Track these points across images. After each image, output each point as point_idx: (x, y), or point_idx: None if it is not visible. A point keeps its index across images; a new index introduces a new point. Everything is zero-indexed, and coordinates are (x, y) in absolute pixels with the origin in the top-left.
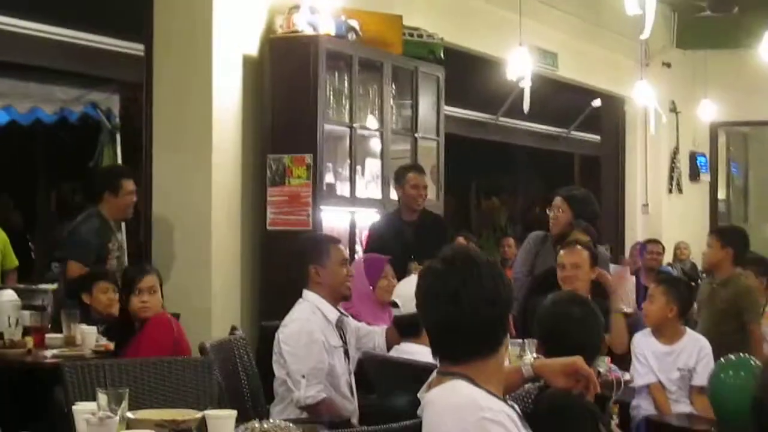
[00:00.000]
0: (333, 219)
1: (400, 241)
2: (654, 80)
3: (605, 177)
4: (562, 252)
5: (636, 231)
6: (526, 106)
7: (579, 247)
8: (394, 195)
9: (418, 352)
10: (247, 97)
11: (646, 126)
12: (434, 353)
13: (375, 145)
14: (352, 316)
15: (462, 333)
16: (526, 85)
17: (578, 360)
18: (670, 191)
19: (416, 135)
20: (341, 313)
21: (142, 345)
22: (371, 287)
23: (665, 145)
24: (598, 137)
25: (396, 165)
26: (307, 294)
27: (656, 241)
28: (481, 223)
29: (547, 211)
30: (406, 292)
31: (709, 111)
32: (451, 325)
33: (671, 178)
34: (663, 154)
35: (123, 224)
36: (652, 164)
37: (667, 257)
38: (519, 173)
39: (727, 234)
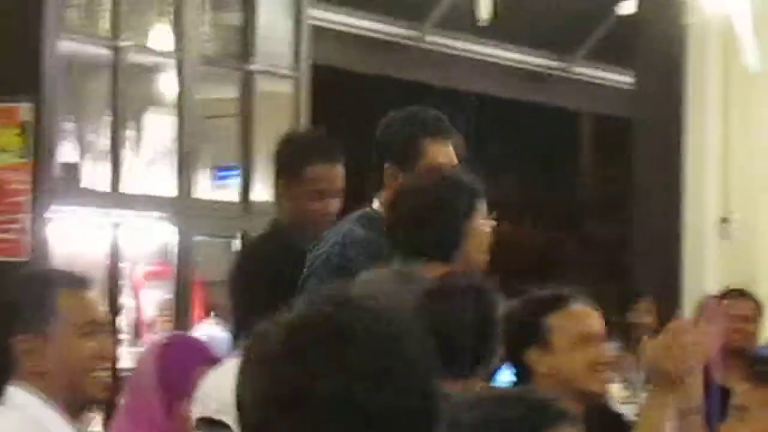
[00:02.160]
0: (78, 237)
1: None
2: None
3: (641, 159)
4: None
5: (705, 272)
6: (483, 10)
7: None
8: (207, 191)
9: None
10: None
11: (728, 55)
12: None
13: (165, 84)
14: None
15: None
16: None
17: None
18: None
19: (251, 67)
20: None
21: None
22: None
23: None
24: (629, 78)
25: (213, 126)
26: (16, 394)
27: (745, 294)
28: None
29: None
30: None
31: None
32: None
33: None
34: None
35: None
36: (745, 136)
37: None
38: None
39: None
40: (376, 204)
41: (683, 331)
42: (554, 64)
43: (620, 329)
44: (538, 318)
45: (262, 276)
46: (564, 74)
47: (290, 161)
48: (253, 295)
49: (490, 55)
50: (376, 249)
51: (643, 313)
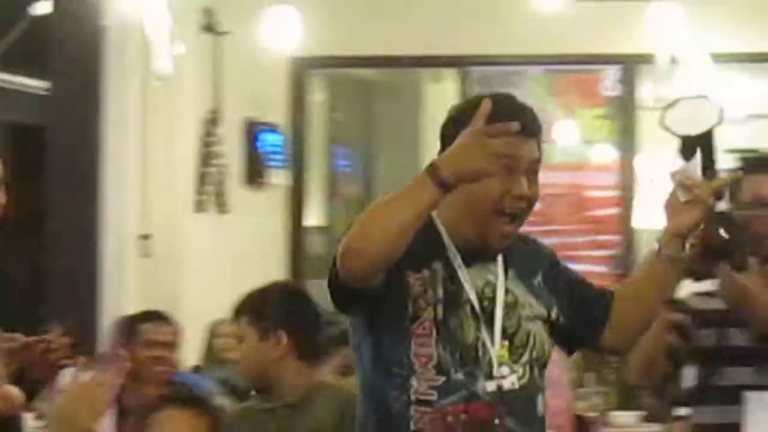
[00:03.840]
0: None
1: None
2: None
3: (56, 174)
4: None
5: (125, 295)
6: None
7: None
8: None
9: None
10: None
11: (147, 61)
12: None
13: None
14: None
15: None
16: None
17: None
18: (202, 208)
19: None
20: None
21: None
22: None
23: (190, 105)
24: (46, 83)
25: None
26: None
27: (164, 318)
28: None
29: None
30: None
31: (288, 33)
32: None
33: (203, 178)
34: (185, 125)
35: None
36: (162, 147)
37: (190, 352)
38: None
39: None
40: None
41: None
42: None
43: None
44: None
45: None
46: None
47: None
48: None
49: None
50: None
51: None
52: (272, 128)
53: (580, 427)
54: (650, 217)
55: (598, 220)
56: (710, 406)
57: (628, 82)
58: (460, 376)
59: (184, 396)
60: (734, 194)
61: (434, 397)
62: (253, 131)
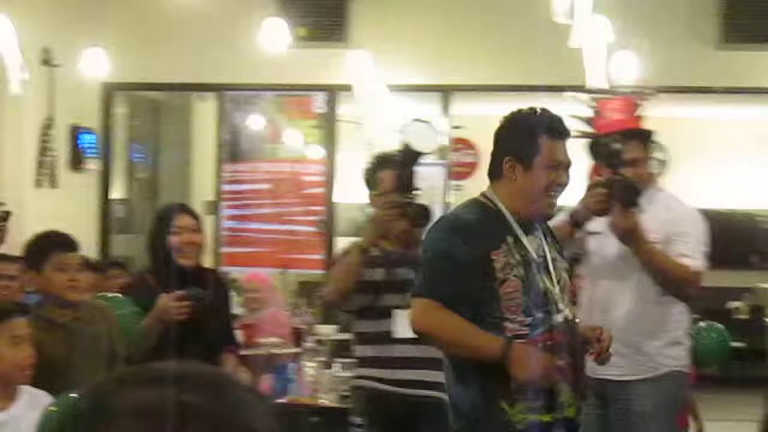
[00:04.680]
0: None
1: None
2: (20, 15)
3: None
4: None
5: None
6: None
7: None
8: None
9: None
10: None
11: (2, 84)
12: None
13: None
14: None
15: None
16: None
17: None
18: (40, 185)
19: None
20: None
21: None
22: None
23: (33, 114)
24: None
25: None
26: None
27: (7, 258)
28: None
29: None
30: None
31: (100, 65)
32: None
33: (41, 164)
34: (28, 128)
35: None
36: (12, 143)
37: None
38: None
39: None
40: (489, 192)
41: None
42: None
43: None
44: None
45: None
46: None
47: None
48: None
49: None
50: (472, 232)
51: None
52: (89, 131)
53: (296, 336)
54: (345, 195)
55: (310, 196)
56: (371, 320)
57: (331, 103)
58: (540, 314)
59: (21, 308)
60: (372, 184)
61: (527, 332)
62: (75, 133)
